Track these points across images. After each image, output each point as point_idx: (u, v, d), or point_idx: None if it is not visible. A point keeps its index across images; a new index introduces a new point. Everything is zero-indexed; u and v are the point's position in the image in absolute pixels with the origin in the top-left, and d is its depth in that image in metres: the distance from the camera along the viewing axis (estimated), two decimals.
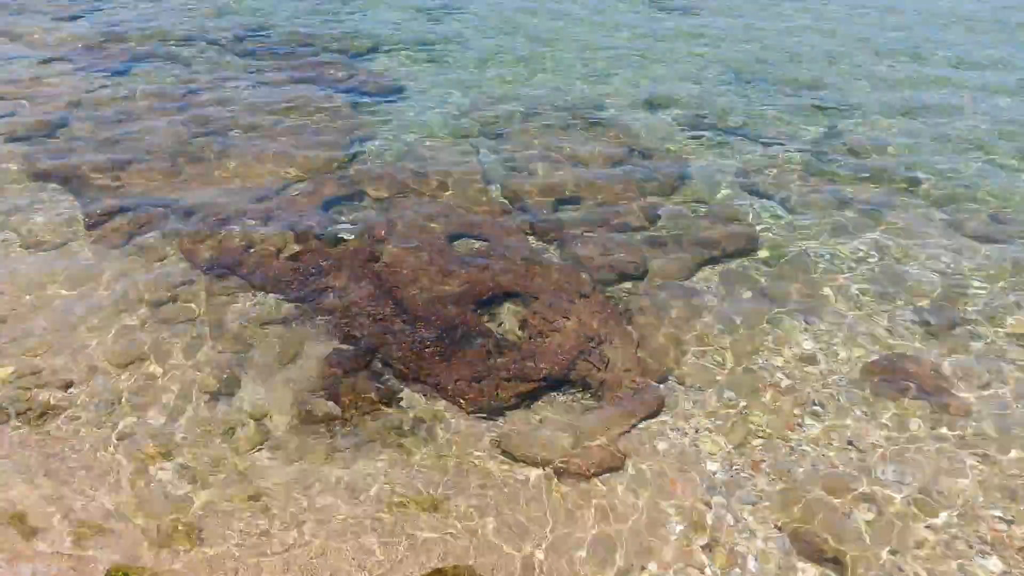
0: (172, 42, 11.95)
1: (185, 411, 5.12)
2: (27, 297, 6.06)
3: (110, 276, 6.36)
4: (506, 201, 7.76)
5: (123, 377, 5.37)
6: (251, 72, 10.84)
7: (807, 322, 6.22)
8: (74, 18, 13.01)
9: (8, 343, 5.60)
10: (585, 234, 7.17)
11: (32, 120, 8.98)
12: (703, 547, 4.37)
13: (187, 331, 5.81)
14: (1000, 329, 6.22)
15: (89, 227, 7.00)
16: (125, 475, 4.64)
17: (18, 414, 5.01)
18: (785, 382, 5.62)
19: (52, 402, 5.12)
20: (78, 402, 5.14)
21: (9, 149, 8.31)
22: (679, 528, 4.48)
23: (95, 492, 4.52)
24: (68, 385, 5.27)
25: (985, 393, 5.57)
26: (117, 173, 7.89)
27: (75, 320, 5.85)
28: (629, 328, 6.01)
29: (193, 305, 6.06)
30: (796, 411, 5.36)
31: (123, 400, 5.18)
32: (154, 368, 5.46)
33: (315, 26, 13.10)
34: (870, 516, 4.58)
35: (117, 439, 4.88)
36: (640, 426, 5.18)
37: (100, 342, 5.66)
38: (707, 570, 4.26)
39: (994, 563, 4.31)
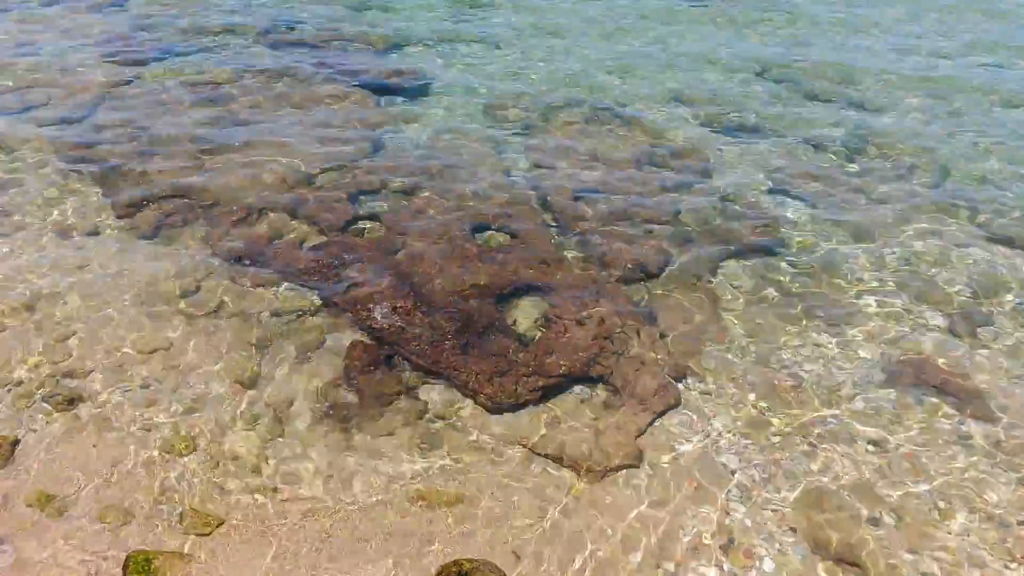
0: (201, 33, 12.03)
1: (207, 400, 5.18)
2: (55, 284, 6.15)
3: (137, 264, 6.44)
4: (529, 195, 7.73)
5: (148, 365, 5.44)
6: (279, 63, 10.90)
7: (832, 322, 6.15)
8: (106, 8, 13.15)
9: (36, 330, 5.70)
10: (608, 229, 7.13)
11: (63, 108, 9.11)
12: (721, 547, 4.35)
13: (210, 321, 5.87)
14: None
15: (117, 215, 7.09)
16: (149, 461, 4.71)
17: (45, 400, 5.10)
18: (808, 382, 5.56)
19: (78, 389, 5.21)
20: (104, 389, 5.22)
21: (40, 136, 8.43)
22: (697, 527, 4.46)
23: (119, 477, 4.60)
24: (94, 372, 5.35)
25: (1012, 398, 5.47)
26: (145, 162, 7.98)
27: (102, 308, 5.93)
28: (649, 324, 5.98)
29: (217, 295, 6.12)
30: (816, 411, 5.30)
31: (147, 388, 5.25)
32: (178, 357, 5.53)
33: (343, 20, 13.13)
34: (891, 519, 4.53)
35: (141, 426, 4.95)
36: (660, 423, 5.16)
37: (126, 330, 5.74)
38: (724, 568, 4.23)
39: (1019, 573, 4.24)
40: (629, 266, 6.63)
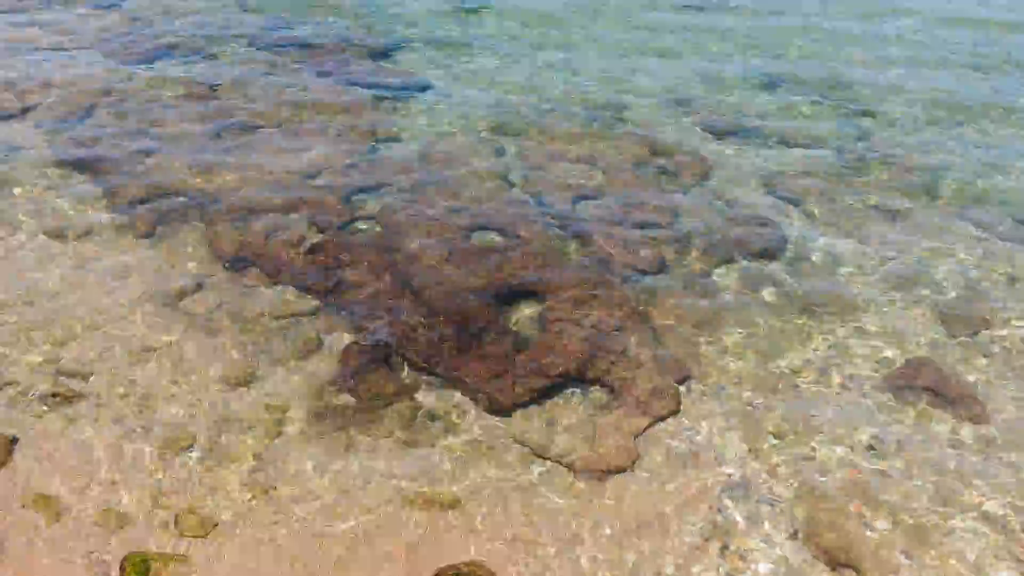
0: (199, 36, 12.03)
1: (203, 402, 5.17)
2: (51, 284, 6.14)
3: (133, 265, 6.43)
4: (527, 197, 7.74)
5: (144, 367, 5.43)
6: (276, 66, 10.91)
7: (828, 324, 6.15)
8: (105, 7, 13.16)
9: (32, 331, 5.69)
10: (606, 232, 7.14)
11: (60, 109, 9.10)
12: (717, 550, 4.35)
13: (208, 322, 5.86)
14: None
15: (114, 215, 7.08)
16: (145, 462, 4.70)
17: (42, 399, 5.08)
18: (805, 384, 5.57)
19: (76, 388, 5.19)
20: (100, 390, 5.21)
21: (36, 137, 8.43)
22: (693, 530, 4.46)
23: (116, 478, 4.58)
24: (90, 373, 5.34)
25: (1010, 399, 5.48)
26: (143, 163, 7.97)
27: (99, 307, 5.92)
28: (647, 326, 5.98)
29: (214, 295, 6.11)
30: (814, 414, 5.30)
31: (144, 389, 5.24)
32: (175, 357, 5.51)
33: (340, 25, 13.14)
34: (888, 523, 4.53)
35: (137, 428, 4.94)
36: (656, 425, 5.15)
37: (123, 330, 5.73)
38: (721, 570, 4.23)
39: (1016, 573, 4.25)
40: (627, 268, 6.64)
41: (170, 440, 4.85)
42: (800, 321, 6.19)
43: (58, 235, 6.78)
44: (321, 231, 6.93)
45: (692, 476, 4.80)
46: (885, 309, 6.37)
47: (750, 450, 5.00)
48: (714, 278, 6.65)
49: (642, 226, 7.27)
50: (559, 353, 5.57)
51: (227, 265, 6.47)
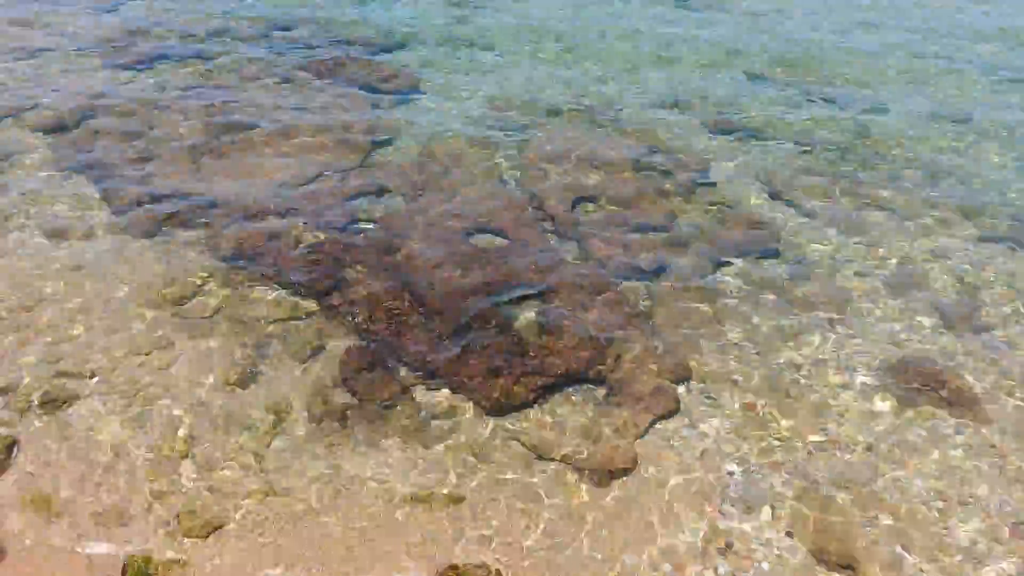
0: (199, 37, 12.04)
1: (204, 403, 5.17)
2: (51, 287, 6.14)
3: (133, 267, 6.42)
4: (526, 198, 7.74)
5: (143, 368, 5.42)
6: (274, 67, 10.91)
7: (827, 324, 6.16)
8: (104, 11, 13.16)
9: (31, 332, 5.68)
10: (604, 232, 7.14)
11: (60, 111, 9.09)
12: (718, 550, 4.35)
13: (207, 323, 5.85)
14: (1023, 331, 6.13)
15: (113, 218, 7.07)
16: (145, 464, 4.69)
17: (41, 402, 5.08)
18: (804, 384, 5.57)
19: (74, 391, 5.18)
20: (99, 391, 5.20)
21: (36, 140, 8.42)
22: (695, 530, 4.46)
23: (114, 481, 4.58)
24: (89, 374, 5.33)
25: (1007, 397, 5.49)
26: (141, 165, 7.97)
27: (98, 309, 5.92)
28: (647, 327, 5.98)
29: (214, 297, 6.11)
30: (814, 413, 5.30)
31: (143, 391, 5.23)
32: (175, 359, 5.51)
33: (338, 23, 13.16)
34: (887, 521, 4.53)
35: (138, 428, 4.93)
36: (657, 425, 5.15)
37: (122, 332, 5.72)
38: (722, 571, 4.23)
39: (1015, 570, 4.25)
40: (625, 268, 6.63)
41: (170, 441, 4.84)
42: (799, 321, 6.19)
43: (57, 237, 6.77)
44: (321, 232, 6.93)
45: (693, 476, 4.80)
46: (884, 309, 6.37)
47: (750, 449, 5.00)
48: (713, 278, 6.65)
49: (641, 226, 7.28)
50: (559, 353, 5.57)
51: (226, 266, 6.46)
